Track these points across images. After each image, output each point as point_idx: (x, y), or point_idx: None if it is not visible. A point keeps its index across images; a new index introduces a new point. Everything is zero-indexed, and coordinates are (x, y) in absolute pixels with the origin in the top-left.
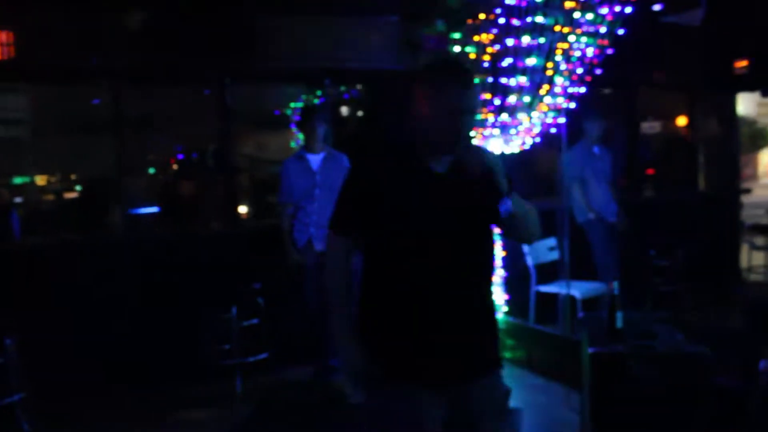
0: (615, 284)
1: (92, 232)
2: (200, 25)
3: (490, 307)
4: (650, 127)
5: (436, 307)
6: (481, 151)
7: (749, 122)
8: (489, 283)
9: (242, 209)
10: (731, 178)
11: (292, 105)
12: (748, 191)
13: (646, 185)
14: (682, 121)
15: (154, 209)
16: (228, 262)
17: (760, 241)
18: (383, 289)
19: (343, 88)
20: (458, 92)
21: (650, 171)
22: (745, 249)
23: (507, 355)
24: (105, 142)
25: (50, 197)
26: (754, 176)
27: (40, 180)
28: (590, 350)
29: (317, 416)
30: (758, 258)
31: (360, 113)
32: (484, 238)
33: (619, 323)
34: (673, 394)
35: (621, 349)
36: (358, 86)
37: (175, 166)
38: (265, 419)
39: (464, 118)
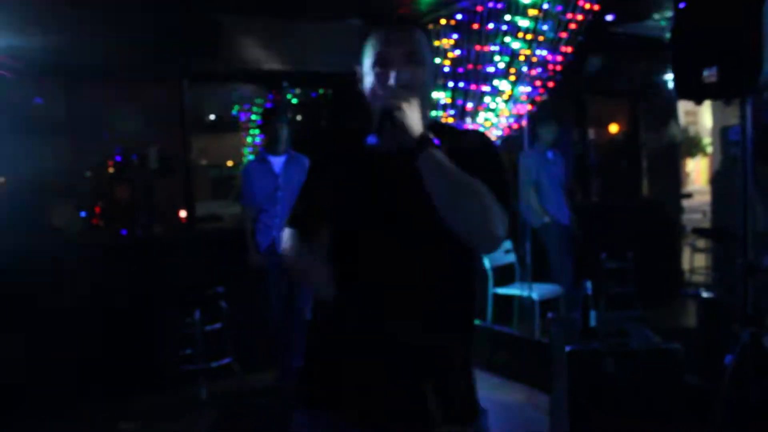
0: (588, 284)
1: (44, 234)
2: (161, 23)
3: (455, 341)
4: (597, 133)
5: (366, 332)
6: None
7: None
8: (451, 309)
9: (199, 211)
10: (674, 183)
11: (236, 108)
12: (689, 196)
13: (594, 190)
14: (625, 128)
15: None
16: (189, 266)
17: (700, 243)
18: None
19: (297, 91)
20: (378, 41)
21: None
22: (687, 251)
23: None
24: (56, 142)
25: None
26: (687, 182)
27: None
28: (567, 348)
29: (283, 421)
30: (699, 260)
31: (320, 115)
32: (440, 238)
33: (593, 322)
34: (647, 390)
35: (597, 346)
36: (320, 89)
37: (111, 170)
38: (230, 425)
39: (386, 69)
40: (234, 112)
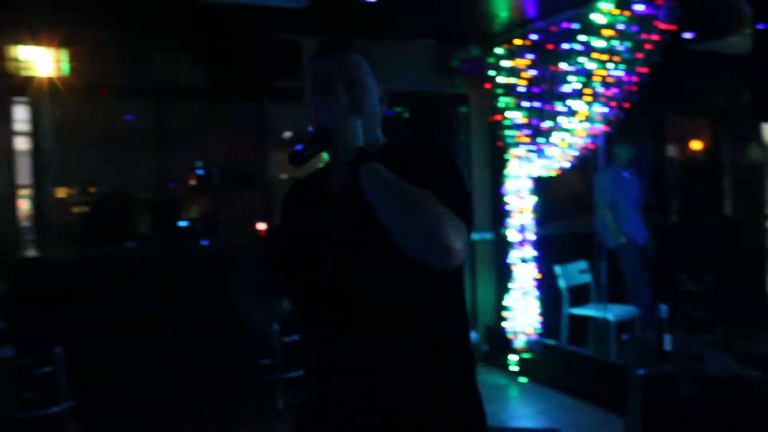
0: (663, 307)
1: (132, 245)
2: (244, 45)
3: (438, 373)
4: (676, 152)
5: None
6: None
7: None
8: (428, 338)
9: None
10: (757, 204)
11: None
12: None
13: (673, 210)
14: (707, 146)
15: (185, 223)
16: (266, 278)
17: None
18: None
19: None
20: (318, 66)
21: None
22: None
23: (540, 376)
24: (143, 157)
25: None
26: None
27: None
28: (640, 371)
29: None
30: None
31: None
32: (402, 265)
33: (668, 345)
34: (723, 418)
35: (672, 370)
36: (396, 108)
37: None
38: None
39: (327, 96)
40: (309, 128)
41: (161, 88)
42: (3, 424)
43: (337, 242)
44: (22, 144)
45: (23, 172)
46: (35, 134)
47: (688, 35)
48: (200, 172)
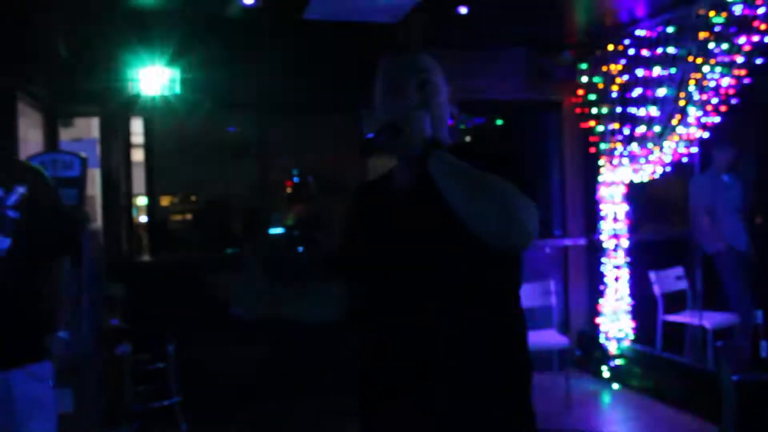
0: (758, 313)
1: (233, 250)
2: (339, 60)
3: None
4: None
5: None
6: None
7: None
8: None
9: None
10: None
11: None
12: None
13: None
14: None
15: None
16: None
17: None
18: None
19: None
20: (387, 68)
21: None
22: None
23: (633, 383)
24: (245, 166)
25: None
26: None
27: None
28: (734, 378)
29: None
30: None
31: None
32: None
33: (764, 352)
34: None
35: (766, 377)
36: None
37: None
38: None
39: (395, 97)
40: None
41: (263, 102)
42: (123, 414)
43: (403, 240)
44: (137, 156)
45: (138, 182)
46: (148, 147)
47: None
48: (296, 180)
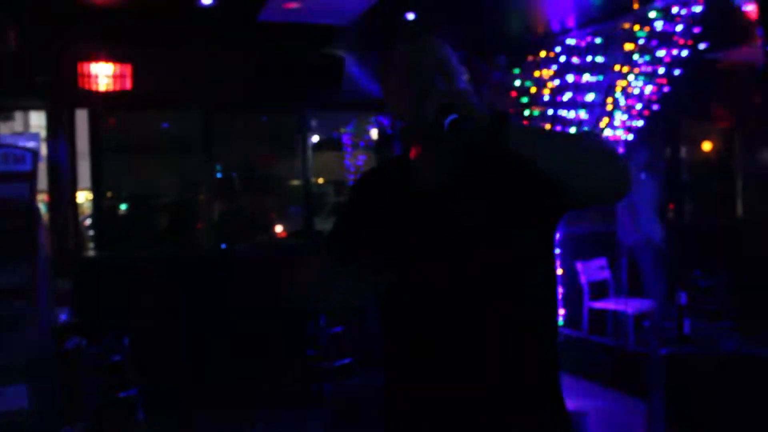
0: (682, 294)
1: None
2: (289, 61)
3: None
4: (688, 153)
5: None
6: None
7: None
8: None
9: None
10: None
11: (342, 130)
12: None
13: (688, 210)
14: (717, 148)
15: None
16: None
17: None
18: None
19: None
20: (402, 53)
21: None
22: None
23: (564, 365)
24: (191, 162)
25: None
26: None
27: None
28: (662, 351)
29: None
30: None
31: None
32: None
33: (686, 329)
34: (737, 394)
35: (692, 350)
36: None
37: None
38: (349, 420)
39: (417, 77)
40: (337, 134)
41: (209, 100)
42: (76, 408)
43: (442, 240)
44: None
45: (82, 177)
46: (94, 142)
47: (702, 46)
48: (219, 175)
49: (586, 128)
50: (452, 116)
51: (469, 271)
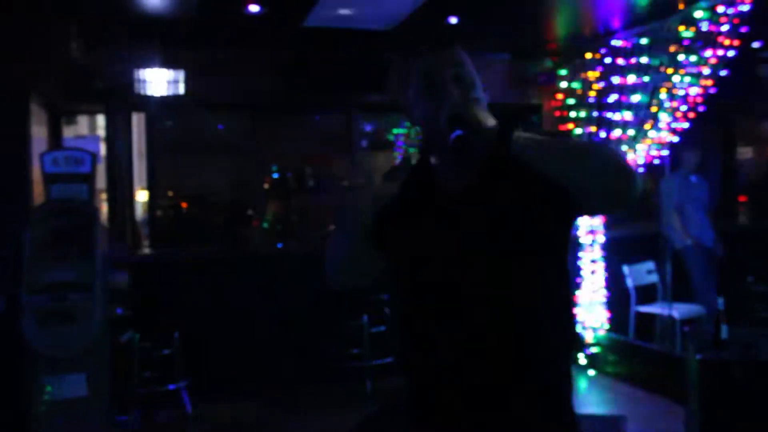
0: (720, 300)
1: (234, 245)
2: (335, 63)
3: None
4: (745, 153)
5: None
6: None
7: None
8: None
9: None
10: None
11: (395, 131)
12: None
13: (742, 212)
14: None
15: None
16: None
17: None
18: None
19: None
20: (425, 65)
21: (742, 198)
22: None
23: (608, 369)
24: (245, 162)
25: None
26: None
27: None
28: (697, 357)
29: None
30: None
31: None
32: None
33: (724, 335)
34: None
35: (726, 356)
36: None
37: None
38: (391, 417)
39: (438, 90)
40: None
41: (257, 102)
42: (131, 398)
43: (465, 242)
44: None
45: (140, 177)
46: (150, 143)
47: (755, 45)
48: (275, 176)
49: (604, 135)
50: (457, 132)
51: (480, 272)
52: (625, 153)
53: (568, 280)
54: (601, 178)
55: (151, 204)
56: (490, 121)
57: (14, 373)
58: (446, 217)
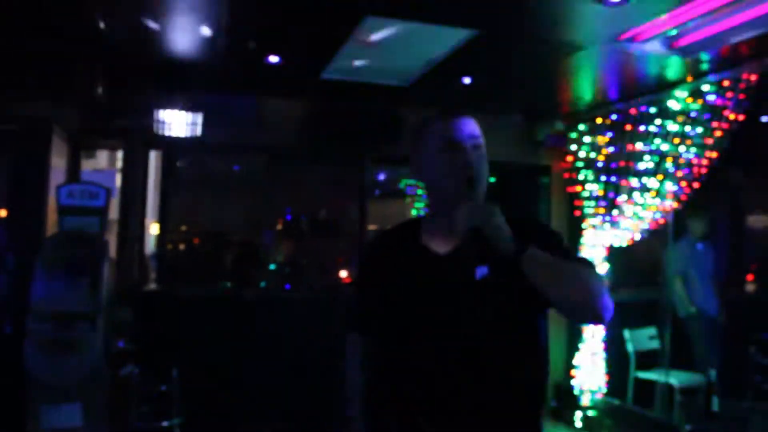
0: (712, 372)
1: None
2: (350, 115)
3: None
4: (757, 222)
5: None
6: (478, 209)
7: None
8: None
9: None
10: None
11: (406, 181)
12: None
13: (751, 281)
14: None
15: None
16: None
17: None
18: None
19: None
20: (447, 126)
21: (752, 266)
22: None
23: None
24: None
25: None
26: None
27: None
28: (687, 427)
29: None
30: None
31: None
32: (509, 339)
33: (715, 407)
34: None
35: (715, 429)
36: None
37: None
38: None
39: (456, 153)
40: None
41: (274, 148)
42: (124, 431)
43: (449, 302)
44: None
45: (154, 212)
46: (164, 180)
47: (765, 119)
48: (288, 218)
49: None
50: (483, 270)
51: (461, 327)
52: (601, 282)
53: (542, 351)
54: (576, 308)
55: (162, 239)
56: (506, 231)
57: (14, 397)
58: (432, 275)
